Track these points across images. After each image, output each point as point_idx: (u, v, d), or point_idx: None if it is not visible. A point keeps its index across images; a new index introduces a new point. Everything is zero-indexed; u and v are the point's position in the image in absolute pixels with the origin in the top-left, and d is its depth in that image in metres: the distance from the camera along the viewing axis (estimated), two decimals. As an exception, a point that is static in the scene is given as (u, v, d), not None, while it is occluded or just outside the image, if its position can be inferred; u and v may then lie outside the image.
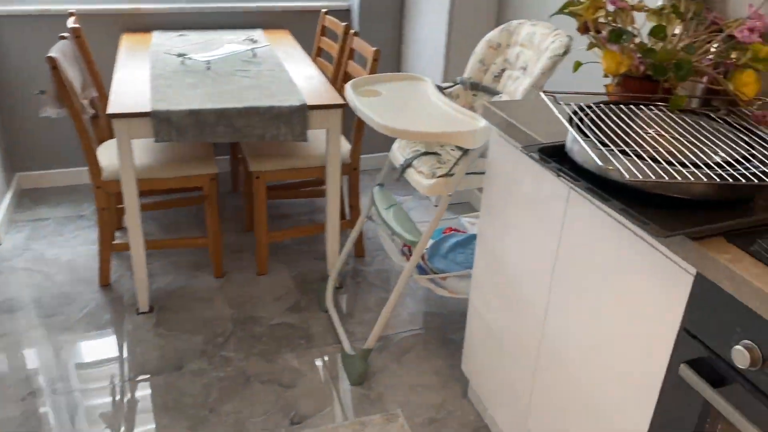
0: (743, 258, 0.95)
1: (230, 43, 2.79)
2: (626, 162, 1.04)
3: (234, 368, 2.07)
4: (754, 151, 1.13)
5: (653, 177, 1.00)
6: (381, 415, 1.90)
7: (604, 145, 1.09)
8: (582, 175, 1.16)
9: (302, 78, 2.41)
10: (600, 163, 0.99)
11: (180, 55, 2.56)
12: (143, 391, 1.96)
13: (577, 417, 1.39)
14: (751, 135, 1.19)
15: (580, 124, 1.22)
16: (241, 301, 2.40)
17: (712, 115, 1.28)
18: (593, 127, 1.19)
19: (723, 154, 1.14)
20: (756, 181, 0.99)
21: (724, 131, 1.21)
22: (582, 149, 1.15)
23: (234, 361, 2.10)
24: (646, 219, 1.01)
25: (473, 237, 2.22)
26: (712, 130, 1.22)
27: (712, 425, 1.10)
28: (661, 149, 1.11)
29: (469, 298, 1.85)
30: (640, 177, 0.99)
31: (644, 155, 1.06)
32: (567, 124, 1.16)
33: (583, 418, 1.36)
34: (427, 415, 1.92)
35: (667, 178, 0.99)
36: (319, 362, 2.11)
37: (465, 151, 1.85)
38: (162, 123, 2.01)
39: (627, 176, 0.98)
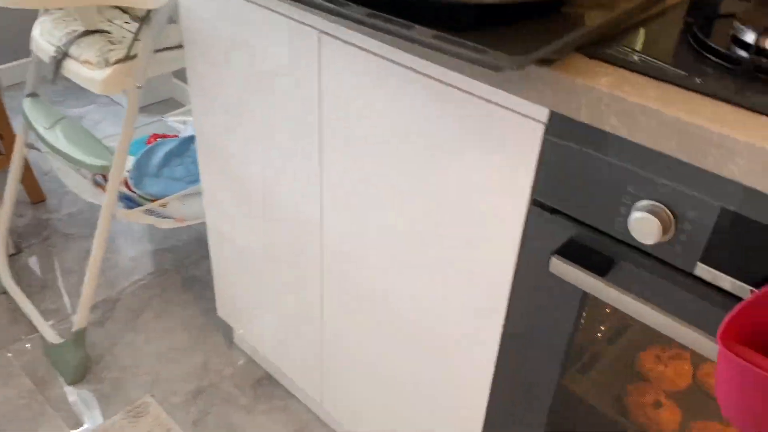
0: (628, 78, 0.60)
1: None
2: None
3: None
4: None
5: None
6: (124, 412, 1.36)
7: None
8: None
9: None
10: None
11: None
12: None
13: (395, 350, 1.02)
14: None
15: None
16: None
17: None
18: None
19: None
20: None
21: None
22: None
23: None
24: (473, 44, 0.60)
25: (191, 140, 1.66)
26: None
27: (590, 323, 0.81)
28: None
29: (207, 222, 1.34)
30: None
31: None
32: None
33: (404, 350, 1.01)
34: (189, 387, 1.43)
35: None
36: (13, 369, 1.45)
37: (145, 18, 1.25)
38: None
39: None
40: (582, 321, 0.79)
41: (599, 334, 0.86)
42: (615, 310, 0.85)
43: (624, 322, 0.88)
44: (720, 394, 0.58)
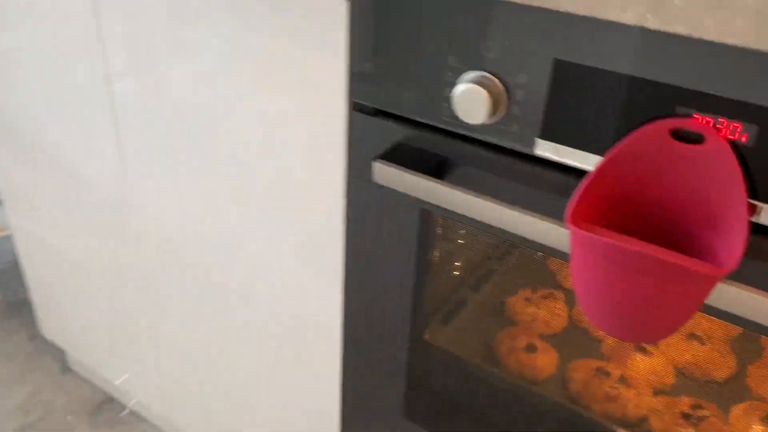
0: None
1: None
2: None
3: None
4: None
5: None
6: (-76, 467, 1.11)
7: None
8: None
9: None
10: None
11: None
12: None
13: (235, 334, 0.86)
14: None
15: None
16: None
17: None
18: None
19: None
20: None
21: None
22: None
23: None
24: None
25: None
26: None
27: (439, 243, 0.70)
28: None
29: (12, 227, 1.12)
30: None
31: None
32: None
33: (243, 332, 0.85)
34: (12, 425, 1.18)
35: None
36: None
37: None
38: None
39: None
40: (435, 258, 0.67)
41: (456, 273, 0.74)
42: (469, 241, 0.74)
43: (487, 266, 0.77)
44: (578, 289, 0.48)
